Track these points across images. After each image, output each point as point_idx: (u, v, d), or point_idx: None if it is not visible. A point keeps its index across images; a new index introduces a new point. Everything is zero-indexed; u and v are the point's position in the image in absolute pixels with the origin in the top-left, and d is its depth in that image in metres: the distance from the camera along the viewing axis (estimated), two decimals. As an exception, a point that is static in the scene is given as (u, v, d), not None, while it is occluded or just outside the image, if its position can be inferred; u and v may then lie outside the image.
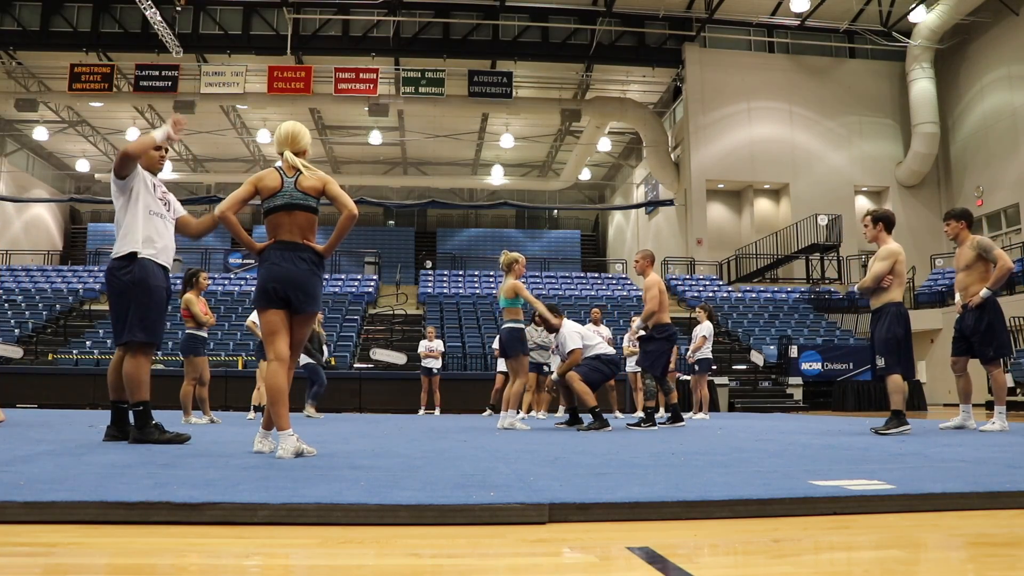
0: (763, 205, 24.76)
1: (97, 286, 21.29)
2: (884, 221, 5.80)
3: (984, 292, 5.88)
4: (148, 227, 4.27)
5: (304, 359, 10.34)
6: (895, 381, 5.53)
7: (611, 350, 7.14)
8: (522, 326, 6.78)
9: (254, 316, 8.93)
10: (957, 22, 21.67)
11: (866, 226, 5.89)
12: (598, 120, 24.87)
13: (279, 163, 3.74)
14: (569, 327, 7.04)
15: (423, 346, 12.51)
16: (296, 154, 3.71)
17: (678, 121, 24.94)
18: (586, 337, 7.00)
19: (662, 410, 11.18)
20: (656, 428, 6.90)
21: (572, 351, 6.86)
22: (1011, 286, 17.11)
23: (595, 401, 6.62)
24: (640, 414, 11.41)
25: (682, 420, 7.34)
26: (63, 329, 18.03)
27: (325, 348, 10.79)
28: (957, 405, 6.29)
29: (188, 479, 2.50)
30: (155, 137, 4.34)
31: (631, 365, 11.24)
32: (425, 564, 1.65)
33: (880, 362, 5.54)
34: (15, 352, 15.35)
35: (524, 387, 6.91)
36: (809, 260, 22.78)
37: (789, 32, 23.92)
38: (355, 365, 15.82)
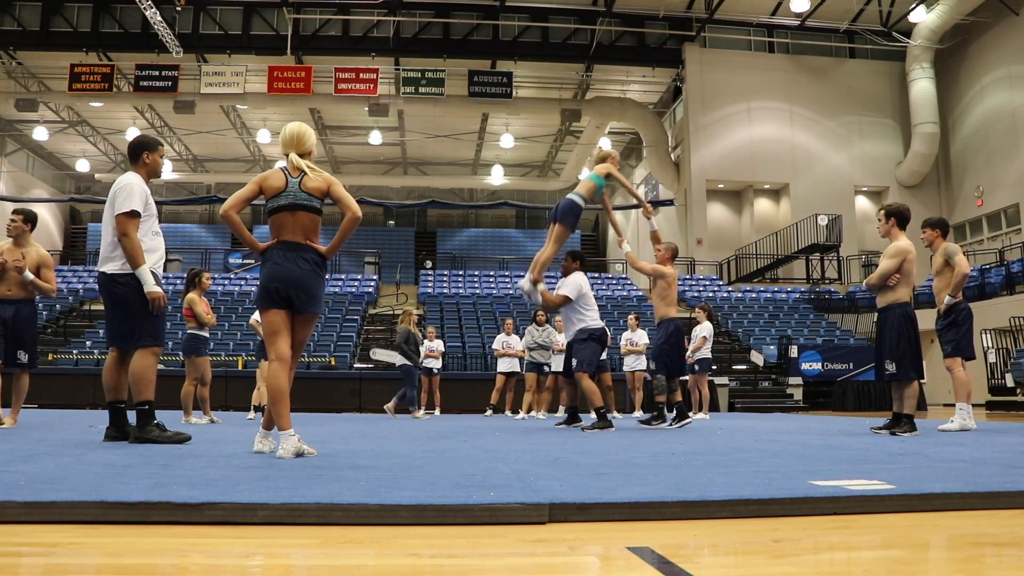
0: (763, 205, 24.75)
1: (98, 286, 21.30)
2: (897, 216, 5.66)
3: (947, 299, 5.98)
4: (151, 247, 4.36)
5: (400, 360, 10.32)
6: (914, 388, 5.50)
7: (600, 323, 6.75)
8: (582, 203, 6.36)
9: (258, 314, 8.95)
10: (957, 22, 21.67)
11: (879, 220, 5.78)
12: (598, 120, 24.87)
13: (283, 163, 3.75)
14: (576, 278, 6.68)
15: (423, 346, 12.49)
16: (301, 155, 3.71)
17: (678, 121, 24.94)
18: (586, 300, 6.63)
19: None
20: (667, 426, 6.75)
21: (560, 294, 6.53)
22: (1011, 286, 17.11)
23: (601, 401, 6.49)
24: (639, 413, 11.42)
25: (688, 419, 7.08)
26: (63, 329, 18.03)
27: (422, 349, 10.56)
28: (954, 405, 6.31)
29: (188, 479, 2.50)
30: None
31: (628, 364, 11.21)
32: (425, 564, 1.65)
33: (891, 367, 5.45)
34: None
35: (551, 257, 6.44)
36: (809, 260, 22.78)
37: (789, 32, 23.92)
38: (355, 365, 15.82)
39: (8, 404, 6.03)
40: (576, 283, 6.59)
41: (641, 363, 11.23)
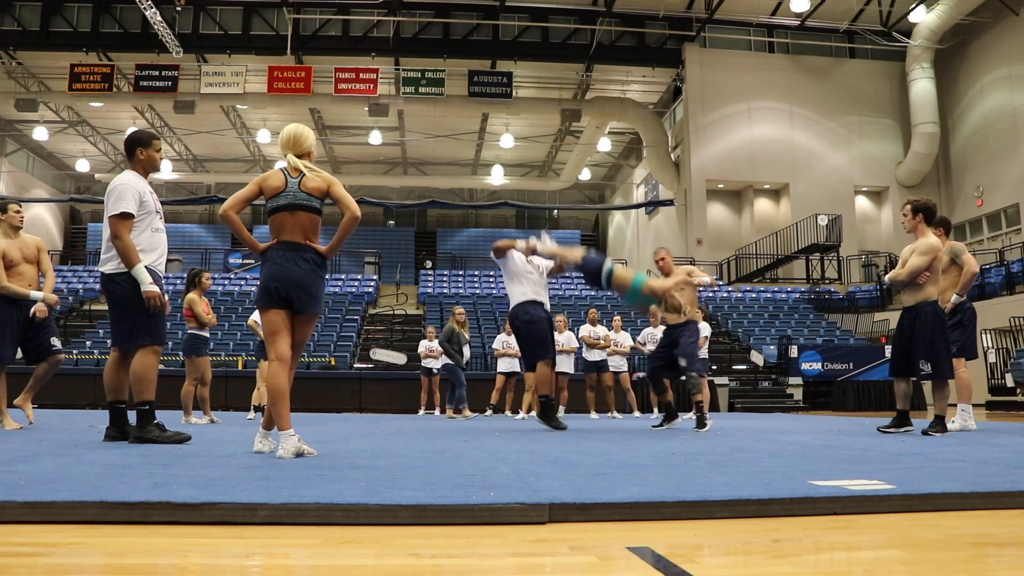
0: (763, 205, 24.75)
1: (98, 286, 21.28)
2: (924, 212, 5.55)
3: (954, 298, 5.99)
4: (150, 245, 4.34)
5: (443, 359, 10.25)
6: (948, 389, 5.48)
7: (540, 297, 6.38)
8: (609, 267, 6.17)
9: (256, 315, 8.95)
10: (957, 22, 21.67)
11: (905, 215, 5.67)
12: (598, 120, 24.86)
13: (284, 163, 3.75)
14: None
15: (423, 346, 12.50)
16: (300, 156, 3.71)
17: (678, 121, 24.94)
18: (517, 272, 6.31)
19: (656, 411, 11.06)
20: (712, 426, 6.50)
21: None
22: (1011, 286, 17.11)
23: (549, 391, 6.29)
24: (637, 414, 11.40)
25: (677, 417, 6.97)
26: (63, 329, 18.02)
27: (467, 349, 10.36)
28: (955, 405, 6.32)
29: (188, 479, 2.50)
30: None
31: (613, 365, 11.04)
32: (425, 564, 1.65)
33: (926, 367, 5.36)
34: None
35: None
36: (809, 260, 22.77)
37: (789, 32, 23.93)
38: (355, 365, 15.82)
39: (11, 402, 6.03)
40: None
41: (624, 364, 11.14)
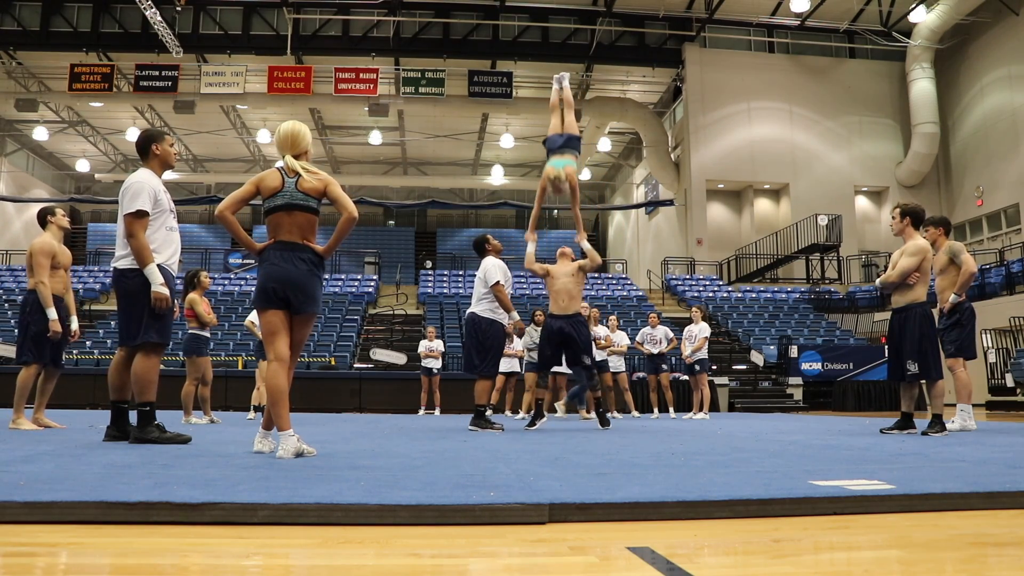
0: (763, 205, 24.75)
1: (97, 286, 21.29)
2: (912, 215, 5.65)
3: (953, 297, 6.00)
4: (164, 243, 4.36)
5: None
6: (940, 387, 5.54)
7: (482, 313, 6.60)
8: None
9: (253, 315, 8.95)
10: (957, 22, 21.68)
11: (893, 218, 5.78)
12: (598, 120, 24.86)
13: (281, 163, 3.74)
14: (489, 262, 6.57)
15: (423, 346, 12.50)
16: (297, 156, 3.70)
17: (678, 121, 24.94)
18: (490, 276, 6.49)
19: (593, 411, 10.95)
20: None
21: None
22: (1011, 286, 17.11)
23: (486, 400, 6.52)
24: (636, 414, 11.39)
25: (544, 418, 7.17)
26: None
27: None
28: (955, 405, 6.33)
29: (188, 479, 2.50)
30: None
31: (613, 364, 11.04)
32: (425, 564, 1.65)
33: (913, 367, 5.42)
34: (15, 352, 15.33)
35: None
36: (809, 260, 22.78)
37: (789, 32, 23.93)
38: (355, 365, 15.82)
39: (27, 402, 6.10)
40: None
41: (622, 364, 11.17)
